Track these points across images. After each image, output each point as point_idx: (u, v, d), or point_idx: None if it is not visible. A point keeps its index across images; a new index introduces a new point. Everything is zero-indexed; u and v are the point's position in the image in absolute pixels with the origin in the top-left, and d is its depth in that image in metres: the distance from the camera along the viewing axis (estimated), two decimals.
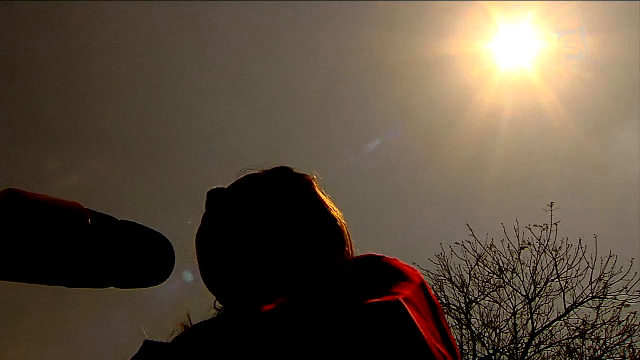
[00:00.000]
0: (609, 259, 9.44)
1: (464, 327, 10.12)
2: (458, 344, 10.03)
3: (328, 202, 1.05)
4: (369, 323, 0.70)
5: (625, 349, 9.39)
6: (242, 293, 0.93)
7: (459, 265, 10.19)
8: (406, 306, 0.72)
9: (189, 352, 0.85)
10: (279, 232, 0.96)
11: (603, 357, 9.42)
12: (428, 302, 0.81)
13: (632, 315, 9.31)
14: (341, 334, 0.70)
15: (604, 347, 9.43)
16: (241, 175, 1.09)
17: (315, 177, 1.09)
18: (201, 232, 1.00)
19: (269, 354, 0.72)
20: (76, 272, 0.64)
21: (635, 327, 9.33)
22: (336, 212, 1.04)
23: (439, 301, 9.86)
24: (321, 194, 1.06)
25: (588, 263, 9.57)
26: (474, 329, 10.05)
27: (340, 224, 1.02)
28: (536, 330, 9.81)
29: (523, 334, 9.88)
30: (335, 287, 0.81)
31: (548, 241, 9.93)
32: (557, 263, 9.87)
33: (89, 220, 0.65)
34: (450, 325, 9.19)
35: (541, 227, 9.95)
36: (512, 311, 9.96)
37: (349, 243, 1.02)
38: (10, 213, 0.59)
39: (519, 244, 10.03)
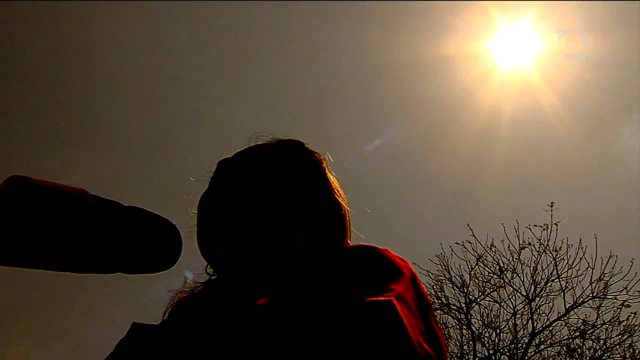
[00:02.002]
0: (609, 259, 9.43)
1: (464, 327, 10.11)
2: (458, 344, 10.04)
3: (336, 184, 1.05)
4: (359, 323, 0.71)
5: (626, 349, 9.38)
6: (233, 261, 0.92)
7: (459, 265, 10.20)
8: (397, 306, 0.73)
9: (177, 335, 0.84)
10: (281, 204, 0.96)
11: (603, 357, 9.41)
12: (417, 297, 0.82)
13: (632, 315, 9.31)
14: (330, 333, 0.70)
15: (604, 347, 9.42)
16: (252, 140, 1.08)
17: (326, 157, 1.09)
18: (203, 196, 1.00)
19: (259, 348, 0.72)
20: (83, 257, 0.63)
21: (636, 327, 9.33)
22: (341, 198, 1.04)
23: (439, 301, 9.94)
24: (330, 175, 1.06)
25: (588, 263, 9.56)
26: (474, 329, 10.04)
27: (343, 210, 1.02)
28: (536, 330, 9.80)
29: (523, 334, 9.88)
30: (330, 276, 0.82)
31: (548, 241, 9.93)
32: (557, 263, 9.87)
33: (94, 206, 0.65)
34: (450, 325, 9.19)
35: (541, 227, 9.96)
36: (512, 311, 9.96)
37: (348, 230, 1.03)
38: (17, 198, 0.59)
39: (519, 244, 10.03)
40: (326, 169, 1.06)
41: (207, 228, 0.97)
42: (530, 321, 9.86)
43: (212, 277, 1.00)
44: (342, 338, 0.69)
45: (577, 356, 9.56)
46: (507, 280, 10.04)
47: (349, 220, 1.04)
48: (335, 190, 1.03)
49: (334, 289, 0.78)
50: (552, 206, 9.93)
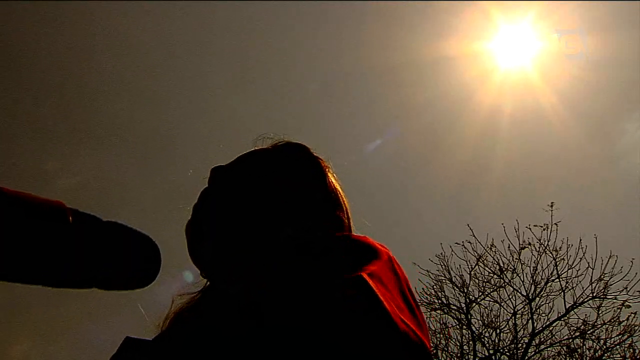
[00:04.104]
0: (609, 259, 9.45)
1: (464, 327, 10.12)
2: (458, 344, 10.04)
3: (338, 192, 1.03)
4: (332, 299, 0.71)
5: (626, 349, 9.39)
6: (226, 270, 0.92)
7: (459, 265, 10.21)
8: (369, 280, 0.73)
9: (169, 350, 0.85)
10: (273, 206, 0.95)
11: (603, 357, 9.42)
12: (394, 276, 0.81)
13: (632, 315, 9.32)
14: (304, 312, 0.70)
15: (604, 347, 9.42)
16: (258, 141, 1.08)
17: (329, 164, 1.07)
18: (196, 205, 1.00)
19: (246, 344, 0.72)
20: (56, 272, 0.62)
21: (636, 327, 9.34)
22: (342, 209, 1.02)
23: (439, 301, 9.94)
24: (333, 183, 1.04)
25: (588, 263, 9.58)
26: (474, 329, 10.05)
27: (341, 214, 1.01)
28: (536, 330, 9.80)
29: (523, 334, 9.89)
30: (307, 266, 0.82)
31: (548, 241, 9.94)
32: (557, 263, 9.88)
33: (70, 219, 0.63)
34: (450, 325, 9.19)
35: (541, 227, 9.97)
36: (512, 311, 9.97)
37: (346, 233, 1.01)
38: None
39: (519, 244, 10.05)
40: (328, 176, 1.04)
41: (196, 238, 0.97)
42: (530, 321, 9.88)
43: (207, 284, 1.00)
44: (317, 319, 0.69)
45: (577, 356, 9.57)
46: (507, 280, 10.06)
47: (349, 225, 1.02)
48: (336, 201, 1.01)
49: (308, 275, 0.77)
50: (552, 206, 9.95)
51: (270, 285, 0.79)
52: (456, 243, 10.15)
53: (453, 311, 10.16)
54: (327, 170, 1.05)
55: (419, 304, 0.84)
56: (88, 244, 0.64)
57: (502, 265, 10.06)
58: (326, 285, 0.73)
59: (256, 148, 1.07)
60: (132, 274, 0.69)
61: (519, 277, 10.03)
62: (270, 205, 0.95)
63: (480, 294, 10.15)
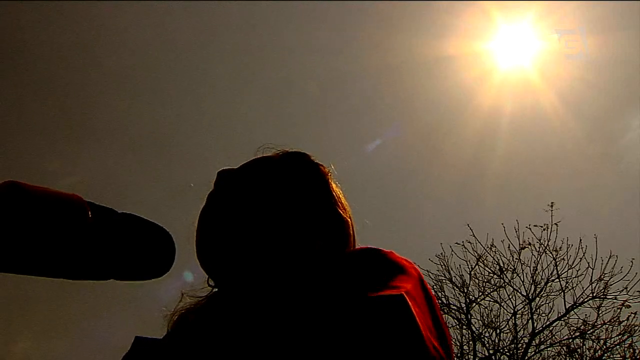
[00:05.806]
0: (609, 259, 9.45)
1: (464, 327, 10.12)
2: (458, 344, 10.03)
3: (340, 196, 1.05)
4: (372, 316, 0.71)
5: (626, 349, 9.40)
6: (235, 274, 0.92)
7: (459, 265, 10.21)
8: (409, 301, 0.74)
9: (181, 349, 0.85)
10: (282, 217, 0.95)
11: (603, 357, 9.42)
12: (425, 296, 0.82)
13: (632, 315, 9.33)
14: (341, 327, 0.71)
15: (604, 347, 9.43)
16: (259, 152, 1.09)
17: (331, 169, 1.09)
18: (204, 209, 1.00)
19: (267, 349, 0.73)
20: (76, 264, 0.64)
21: (636, 327, 9.34)
22: (345, 210, 1.03)
23: (439, 301, 9.93)
24: (334, 187, 1.05)
25: (588, 263, 9.58)
26: (474, 329, 10.05)
27: (347, 223, 1.02)
28: (536, 330, 9.81)
29: (523, 334, 9.89)
30: (334, 278, 0.82)
31: (548, 241, 9.94)
32: (557, 263, 9.89)
33: (89, 212, 0.65)
34: (450, 325, 9.19)
35: (541, 227, 9.97)
36: (512, 311, 9.97)
37: (350, 242, 1.02)
38: (11, 204, 0.59)
39: (519, 244, 10.05)
40: (330, 181, 1.05)
41: (205, 242, 0.97)
42: (530, 321, 9.88)
43: (214, 290, 1.00)
44: (352, 334, 0.70)
45: (577, 356, 9.57)
46: (507, 280, 10.06)
47: (352, 233, 1.03)
48: (338, 202, 1.03)
49: (339, 290, 0.78)
50: (552, 206, 9.95)
51: (295, 301, 0.80)
52: (456, 243, 10.16)
53: (453, 311, 10.17)
54: (329, 177, 1.07)
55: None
56: (107, 236, 0.66)
57: (502, 265, 10.07)
58: (358, 302, 0.74)
59: (261, 156, 1.08)
60: (147, 265, 0.71)
61: (519, 277, 10.05)
62: (278, 212, 0.96)
63: (480, 294, 10.16)
